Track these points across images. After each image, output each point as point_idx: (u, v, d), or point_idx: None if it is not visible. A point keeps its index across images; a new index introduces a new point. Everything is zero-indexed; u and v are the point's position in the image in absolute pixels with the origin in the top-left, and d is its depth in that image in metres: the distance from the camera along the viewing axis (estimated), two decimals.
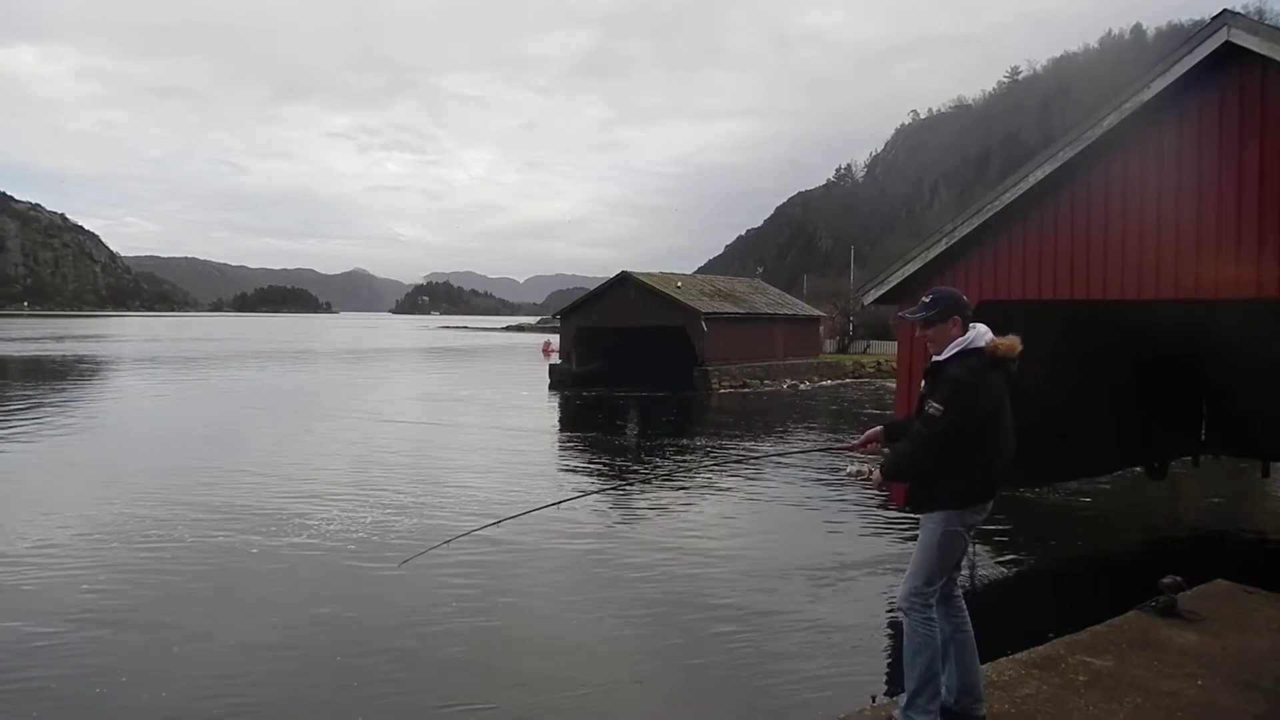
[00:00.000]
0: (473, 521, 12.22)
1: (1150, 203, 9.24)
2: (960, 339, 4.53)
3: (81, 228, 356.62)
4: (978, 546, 11.66)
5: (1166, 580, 6.53)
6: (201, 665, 7.94)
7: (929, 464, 4.51)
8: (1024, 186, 10.21)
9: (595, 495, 15.74)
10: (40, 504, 14.39)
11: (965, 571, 10.24)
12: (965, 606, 4.72)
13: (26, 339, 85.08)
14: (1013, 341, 4.47)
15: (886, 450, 5.00)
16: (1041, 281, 10.34)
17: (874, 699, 6.00)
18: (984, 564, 11.53)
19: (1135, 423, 14.24)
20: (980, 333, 4.54)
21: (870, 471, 4.43)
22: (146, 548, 11.71)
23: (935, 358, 4.60)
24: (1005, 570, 11.52)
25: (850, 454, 5.20)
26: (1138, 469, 15.71)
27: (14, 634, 8.58)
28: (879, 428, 5.05)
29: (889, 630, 8.97)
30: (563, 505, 9.76)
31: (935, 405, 4.43)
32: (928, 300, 4.64)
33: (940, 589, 4.60)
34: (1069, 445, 12.73)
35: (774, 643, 8.65)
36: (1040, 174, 10.01)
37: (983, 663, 4.89)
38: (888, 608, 9.62)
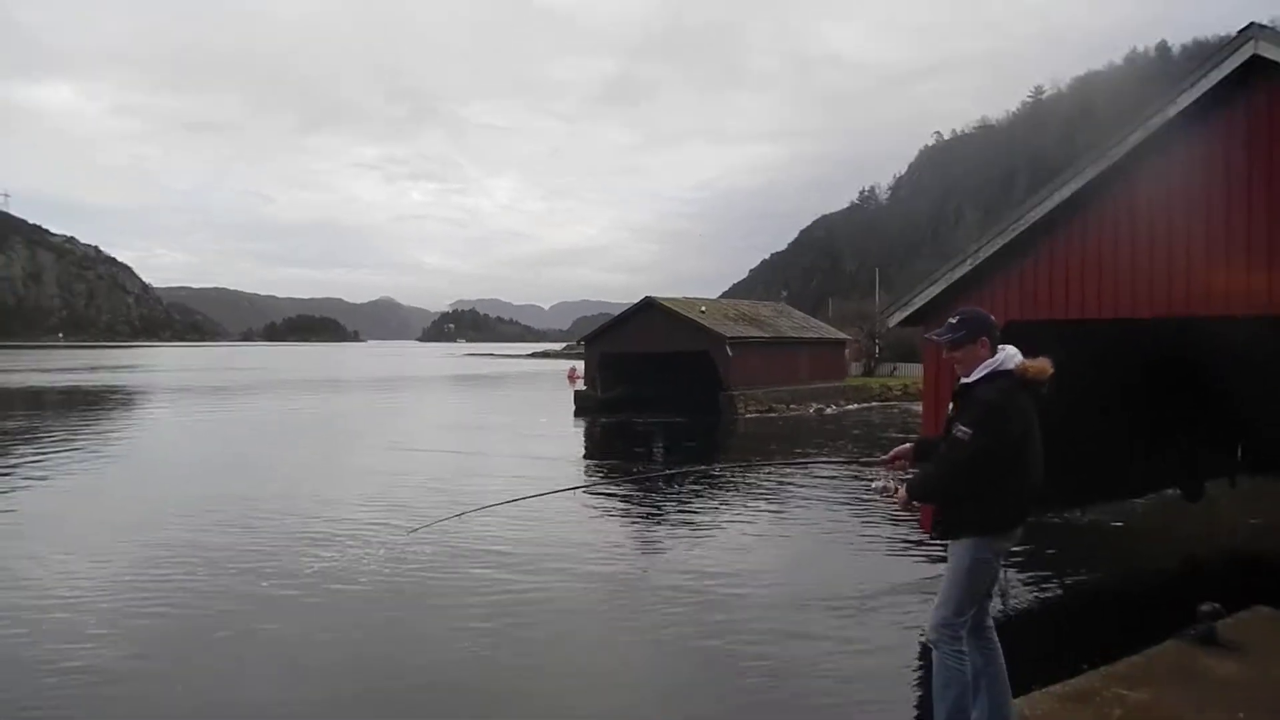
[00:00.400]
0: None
1: (1179, 219, 9.08)
2: (989, 361, 4.42)
3: (115, 259, 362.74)
4: (1009, 572, 11.40)
5: (1205, 608, 6.32)
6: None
7: (956, 488, 4.40)
8: (1049, 205, 10.07)
9: (615, 514, 15.63)
10: (78, 534, 14.47)
11: (997, 600, 10.01)
12: (997, 638, 4.58)
13: (63, 369, 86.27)
14: (1043, 364, 4.35)
15: (914, 470, 4.88)
16: (1069, 300, 10.17)
17: None
18: (1015, 591, 11.26)
19: (1170, 443, 13.95)
20: (1010, 354, 4.42)
21: (896, 489, 4.32)
22: (160, 582, 11.70)
23: (963, 380, 4.49)
24: (1036, 598, 11.22)
25: (877, 468, 5.06)
26: (1173, 491, 15.38)
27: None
28: (908, 444, 4.95)
29: (918, 661, 8.76)
30: (575, 491, 9.26)
31: (963, 429, 4.32)
32: (954, 321, 4.54)
33: (971, 619, 4.46)
34: (1100, 467, 12.49)
35: (797, 672, 8.43)
36: (1065, 192, 9.87)
37: (1014, 696, 4.74)
38: (917, 636, 9.39)
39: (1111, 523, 14.91)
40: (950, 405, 4.61)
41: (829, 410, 42.15)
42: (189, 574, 11.88)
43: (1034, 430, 4.39)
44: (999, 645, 4.56)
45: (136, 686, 8.16)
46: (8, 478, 20.32)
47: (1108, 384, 12.62)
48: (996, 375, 4.39)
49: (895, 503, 4.73)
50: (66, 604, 10.53)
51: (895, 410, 41.93)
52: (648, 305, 42.49)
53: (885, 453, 5.04)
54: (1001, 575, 10.95)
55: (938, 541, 4.69)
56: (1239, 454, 15.69)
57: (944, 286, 11.25)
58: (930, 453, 4.71)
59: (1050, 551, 12.94)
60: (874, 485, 4.78)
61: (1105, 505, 14.76)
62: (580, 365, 46.93)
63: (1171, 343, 12.05)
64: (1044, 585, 11.63)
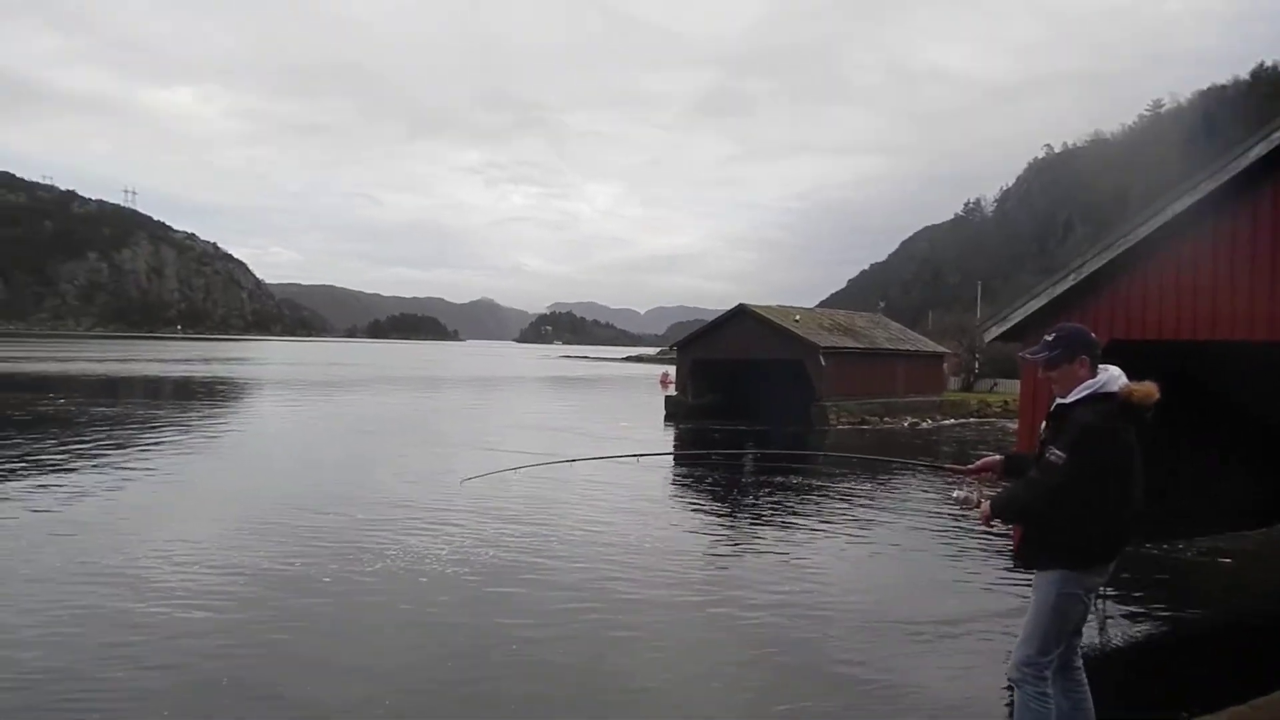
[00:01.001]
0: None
1: None
2: (1090, 381, 4.14)
3: (231, 256, 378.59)
4: (1107, 603, 10.84)
5: None
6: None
7: (1044, 513, 4.14)
8: (1161, 219, 9.57)
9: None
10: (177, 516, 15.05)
11: (1093, 634, 9.53)
12: (1085, 680, 4.30)
13: (179, 359, 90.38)
14: (1149, 388, 4.06)
15: (1003, 484, 4.63)
16: (1180, 320, 9.65)
17: None
18: (1113, 624, 10.69)
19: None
20: (1113, 376, 4.14)
21: (978, 501, 4.07)
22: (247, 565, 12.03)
23: (1060, 400, 4.23)
24: (1131, 638, 10.60)
25: (962, 477, 4.83)
26: None
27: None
28: (998, 457, 4.70)
29: (1005, 702, 8.38)
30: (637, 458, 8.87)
31: (1058, 452, 4.05)
32: (1050, 339, 4.27)
33: (1058, 658, 4.20)
34: (1205, 496, 11.83)
35: (876, 707, 8.12)
36: (1179, 206, 9.37)
37: None
38: (1001, 673, 8.99)
39: (1220, 558, 14.12)
40: (1044, 425, 4.35)
41: (923, 425, 41.17)
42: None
43: (1135, 459, 4.10)
44: (1088, 688, 4.29)
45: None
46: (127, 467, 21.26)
47: (1216, 407, 11.95)
48: (1098, 397, 4.12)
49: (976, 515, 4.48)
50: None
51: (989, 427, 40.71)
52: (741, 312, 42.19)
53: (972, 462, 4.79)
54: (1101, 606, 10.44)
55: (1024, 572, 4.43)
56: None
57: (1045, 301, 10.79)
58: (1020, 469, 4.46)
59: (1146, 586, 12.26)
60: (955, 494, 4.56)
61: (1213, 536, 13.99)
62: (672, 370, 46.80)
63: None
64: (1142, 620, 11.02)
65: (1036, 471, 4.20)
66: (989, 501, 4.35)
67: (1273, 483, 13.17)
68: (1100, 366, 4.20)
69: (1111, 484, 4.05)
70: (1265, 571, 14.10)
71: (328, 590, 10.98)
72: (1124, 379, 4.16)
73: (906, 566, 13.86)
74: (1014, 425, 38.44)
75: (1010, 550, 11.84)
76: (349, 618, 10.07)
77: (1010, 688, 4.27)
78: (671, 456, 25.92)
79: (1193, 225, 9.34)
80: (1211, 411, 12.01)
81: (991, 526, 4.48)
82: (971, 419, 44.83)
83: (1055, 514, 4.09)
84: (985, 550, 14.43)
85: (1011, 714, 4.23)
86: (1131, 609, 11.30)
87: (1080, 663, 4.32)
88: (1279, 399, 12.49)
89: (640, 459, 9.58)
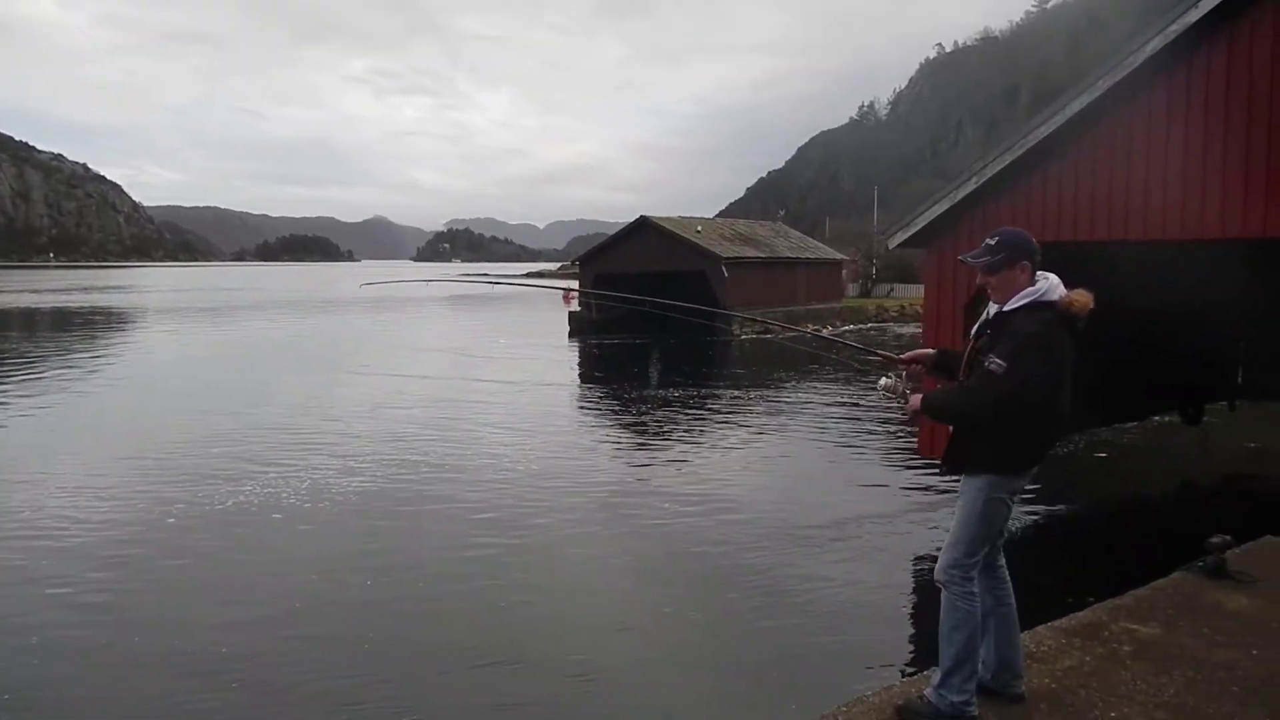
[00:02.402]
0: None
1: (1195, 135, 8.68)
2: (1032, 289, 4.05)
3: (104, 178, 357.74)
4: None
5: (1215, 539, 6.13)
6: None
7: (980, 421, 4.09)
8: (1058, 121, 9.59)
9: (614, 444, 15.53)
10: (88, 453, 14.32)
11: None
12: (1008, 577, 4.36)
13: (55, 290, 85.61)
14: (1086, 297, 3.99)
15: (930, 377, 4.56)
16: (1077, 222, 9.80)
17: (902, 675, 5.70)
18: (1012, 521, 11.09)
19: (1168, 367, 13.73)
20: (1053, 284, 4.05)
21: (905, 394, 3.99)
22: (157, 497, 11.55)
23: (999, 308, 4.15)
24: (1033, 527, 11.09)
25: (888, 366, 4.71)
26: (1171, 416, 15.25)
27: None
28: (930, 350, 4.63)
29: (912, 596, 8.66)
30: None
31: (998, 361, 3.98)
32: (992, 243, 4.14)
33: (982, 558, 4.24)
34: (1099, 391, 12.28)
35: (793, 610, 8.26)
36: (1076, 107, 9.40)
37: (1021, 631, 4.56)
38: (914, 571, 9.28)
39: (1108, 447, 14.81)
40: (974, 332, 4.28)
41: (824, 332, 41.91)
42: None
43: (1068, 370, 4.09)
44: (1010, 584, 4.35)
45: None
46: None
47: (1108, 308, 12.31)
48: (1038, 305, 4.04)
49: (901, 408, 4.40)
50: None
51: (888, 334, 41.75)
52: (643, 225, 41.93)
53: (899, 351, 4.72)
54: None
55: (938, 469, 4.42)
56: (1239, 377, 15.52)
57: (948, 206, 10.85)
58: (949, 365, 4.39)
59: (1044, 479, 12.77)
60: (880, 383, 4.44)
61: (1102, 430, 14.63)
62: (575, 286, 46.41)
63: (1175, 266, 11.71)
64: (1040, 514, 11.50)
65: (974, 379, 4.12)
66: (920, 397, 4.27)
67: (1156, 379, 13.72)
68: (1039, 274, 4.12)
69: (1045, 394, 4.02)
70: (1148, 460, 14.87)
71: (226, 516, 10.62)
72: (1063, 288, 4.09)
73: (833, 467, 14.15)
74: (905, 329, 39.57)
75: (914, 449, 12.17)
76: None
77: (933, 589, 4.28)
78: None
79: (1090, 126, 9.44)
80: (1103, 312, 12.38)
81: (914, 422, 4.44)
82: (870, 324, 45.88)
83: (991, 423, 4.05)
84: (898, 455, 14.82)
85: (934, 609, 4.26)
86: (1031, 503, 11.75)
87: (1003, 561, 4.37)
88: (1162, 297, 12.93)
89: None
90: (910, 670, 6.23)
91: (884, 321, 46.55)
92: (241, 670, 6.89)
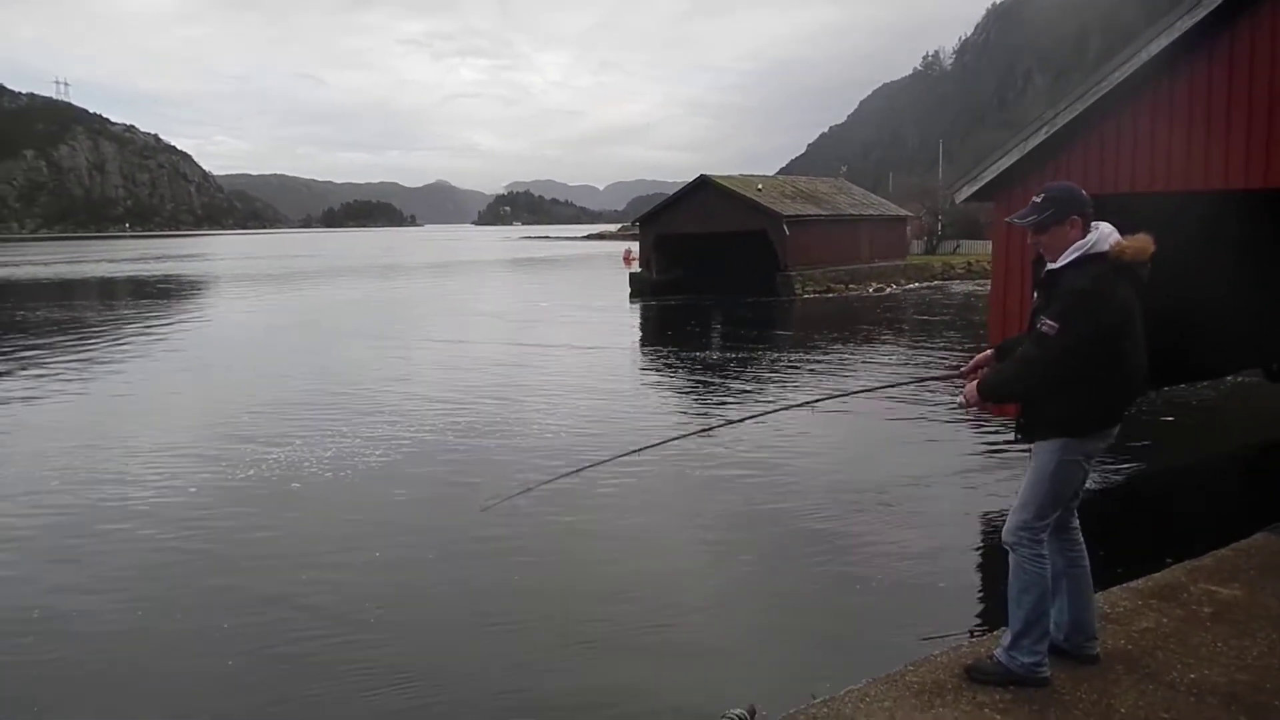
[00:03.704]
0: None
1: None
2: (1080, 242, 3.91)
3: (175, 148, 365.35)
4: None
5: None
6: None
7: (1037, 388, 3.99)
8: (1135, 64, 9.16)
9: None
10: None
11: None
12: (1082, 539, 4.26)
13: (131, 259, 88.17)
14: (1144, 242, 3.84)
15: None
16: (1154, 172, 9.43)
17: (971, 635, 5.63)
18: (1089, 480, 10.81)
19: (1253, 321, 13.22)
20: (1104, 234, 3.91)
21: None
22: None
23: (1050, 265, 4.02)
24: (1108, 488, 10.80)
25: (955, 383, 4.60)
26: (1254, 374, 14.73)
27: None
28: (989, 351, 4.50)
29: (980, 557, 8.53)
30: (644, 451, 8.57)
31: (1049, 322, 3.85)
32: (1039, 200, 4.02)
33: (1055, 520, 4.14)
34: (1182, 347, 11.89)
35: (857, 570, 8.13)
36: (1154, 49, 9.00)
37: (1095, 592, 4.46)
38: (983, 532, 9.13)
39: (1191, 403, 14.37)
40: (1034, 294, 4.16)
41: (890, 290, 41.28)
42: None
43: (1134, 320, 3.93)
44: (1084, 546, 4.25)
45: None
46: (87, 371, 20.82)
47: (1191, 261, 11.88)
48: (1089, 259, 3.89)
49: (962, 404, 4.28)
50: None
51: (959, 289, 40.92)
52: (703, 184, 41.48)
53: (963, 362, 4.60)
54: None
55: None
56: None
57: (1017, 158, 10.50)
58: (1012, 354, 4.28)
59: (1122, 438, 12.42)
60: (959, 401, 4.31)
61: (1182, 388, 14.19)
62: (635, 247, 46.24)
63: (1260, 214, 11.24)
64: (1118, 474, 11.21)
65: (1029, 344, 4.02)
66: (975, 383, 4.17)
67: (1240, 332, 13.23)
68: (1091, 225, 3.98)
69: (1108, 349, 3.89)
70: (1232, 418, 14.40)
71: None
72: (1115, 236, 3.94)
73: (898, 431, 13.97)
74: (978, 287, 38.74)
75: (988, 411, 11.95)
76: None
77: (1002, 550, 4.20)
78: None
79: (1169, 68, 9.02)
80: (1186, 265, 11.96)
81: (971, 409, 4.32)
82: (936, 281, 45.04)
83: (1050, 387, 3.94)
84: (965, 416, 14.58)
85: (1005, 572, 4.18)
86: (1108, 461, 11.45)
87: (1077, 523, 4.26)
88: (1247, 250, 12.43)
89: None
90: (980, 631, 6.14)
91: (950, 279, 45.66)
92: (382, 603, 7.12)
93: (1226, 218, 11.19)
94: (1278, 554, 5.63)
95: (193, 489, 10.77)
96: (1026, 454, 4.24)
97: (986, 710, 3.90)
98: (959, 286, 42.07)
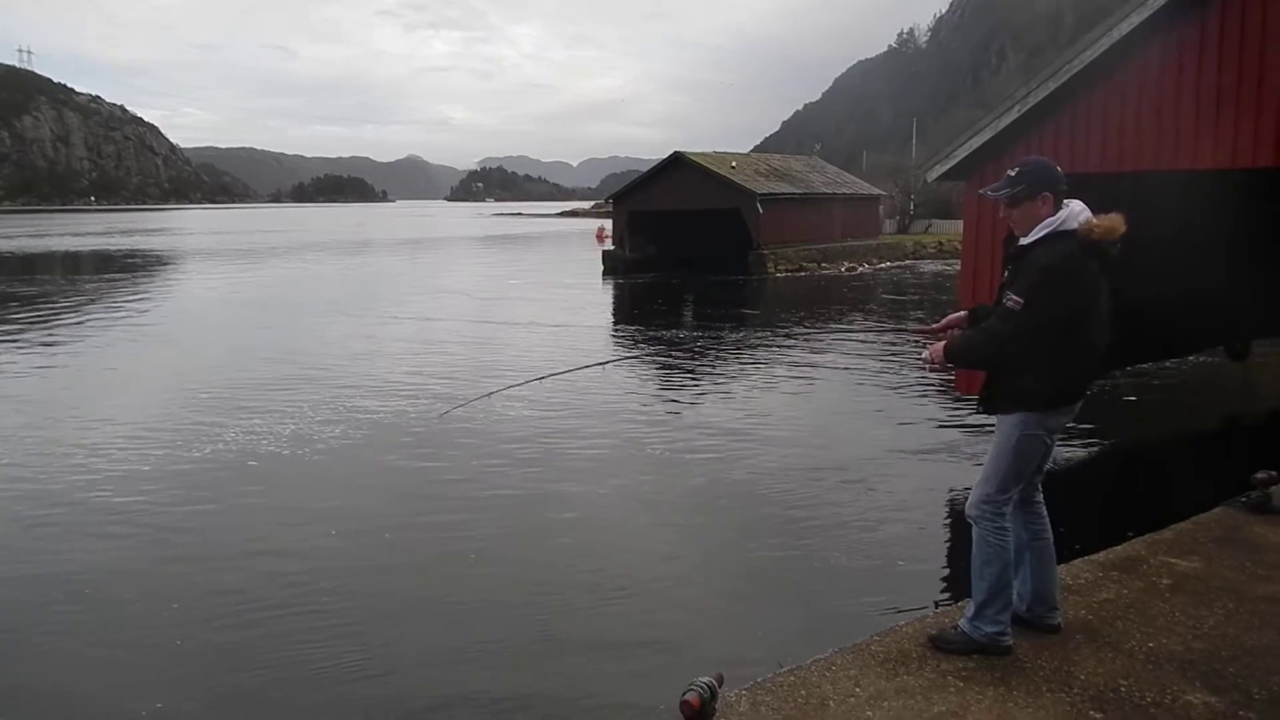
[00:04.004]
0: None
1: (1251, 56, 8.34)
2: (1050, 219, 3.95)
3: (141, 119, 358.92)
4: None
5: (1260, 475, 6.03)
6: None
7: (1000, 359, 4.05)
8: (1106, 44, 9.20)
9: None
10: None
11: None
12: (1045, 513, 4.32)
13: (96, 233, 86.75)
14: (1114, 222, 3.88)
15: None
16: (1123, 151, 9.51)
17: (935, 606, 5.70)
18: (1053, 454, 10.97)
19: (1215, 301, 13.41)
20: (1073, 212, 3.95)
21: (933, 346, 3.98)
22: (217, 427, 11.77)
23: (1021, 241, 4.07)
24: (1073, 462, 10.97)
25: (927, 338, 4.68)
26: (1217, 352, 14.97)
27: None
28: (963, 313, 4.56)
29: (946, 531, 8.63)
30: (607, 366, 8.47)
31: (1015, 297, 3.91)
32: (1013, 174, 4.05)
33: (1018, 493, 4.20)
34: (1145, 326, 12.05)
35: (825, 544, 8.24)
36: (1127, 26, 9.02)
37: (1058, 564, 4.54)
38: (948, 506, 9.24)
39: (1152, 383, 14.59)
40: (1005, 270, 4.20)
41: (862, 269, 41.47)
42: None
43: (1100, 298, 3.98)
44: (1047, 519, 4.31)
45: None
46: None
47: (1155, 241, 12.00)
48: (1057, 236, 3.93)
49: (928, 361, 4.35)
50: None
51: (929, 269, 41.19)
52: (676, 161, 41.37)
53: (933, 320, 4.67)
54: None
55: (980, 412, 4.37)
56: None
57: (989, 136, 10.54)
58: (985, 320, 4.33)
59: (1084, 414, 12.58)
60: (924, 355, 4.38)
61: (1146, 366, 14.39)
62: (609, 224, 46.10)
63: (1225, 195, 11.36)
64: (1080, 449, 11.38)
65: (994, 317, 4.07)
66: (944, 344, 4.23)
67: (1202, 312, 13.42)
68: (1064, 202, 4.02)
69: (1072, 327, 3.94)
70: (1192, 395, 14.64)
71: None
72: (1086, 214, 3.98)
73: (864, 405, 14.07)
74: (948, 266, 39.00)
75: (955, 389, 12.07)
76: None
77: (967, 524, 4.26)
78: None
79: (1140, 47, 9.06)
80: (1149, 245, 12.07)
81: (936, 368, 4.38)
82: (908, 260, 45.29)
83: (1015, 361, 4.00)
84: (933, 390, 14.71)
85: (969, 543, 4.24)
86: (1070, 436, 11.60)
87: (1040, 497, 4.32)
88: (1210, 230, 12.58)
89: None
90: (944, 603, 6.23)
91: (922, 258, 45.92)
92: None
93: (1194, 198, 11.31)
94: (1235, 528, 5.74)
95: (146, 466, 10.64)
96: (990, 431, 4.31)
97: (950, 678, 3.95)
98: (928, 266, 42.36)
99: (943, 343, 4.26)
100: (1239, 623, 4.47)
